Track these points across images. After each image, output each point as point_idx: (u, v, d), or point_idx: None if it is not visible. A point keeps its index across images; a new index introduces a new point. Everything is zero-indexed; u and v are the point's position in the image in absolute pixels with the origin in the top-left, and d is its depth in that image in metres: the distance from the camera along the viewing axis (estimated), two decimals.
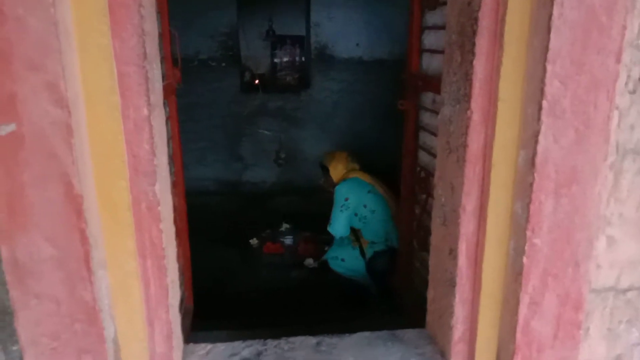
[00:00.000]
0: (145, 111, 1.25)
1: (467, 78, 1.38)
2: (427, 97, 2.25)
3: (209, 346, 1.66)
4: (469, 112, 1.38)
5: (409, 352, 1.66)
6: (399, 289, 2.67)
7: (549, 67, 1.21)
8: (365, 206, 3.26)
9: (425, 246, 2.23)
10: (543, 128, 1.25)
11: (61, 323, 1.24)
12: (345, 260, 3.33)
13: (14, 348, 1.29)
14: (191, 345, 1.66)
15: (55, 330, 1.25)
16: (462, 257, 1.49)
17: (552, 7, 1.18)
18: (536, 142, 1.26)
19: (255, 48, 4.99)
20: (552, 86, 1.23)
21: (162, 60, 1.81)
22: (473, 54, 1.34)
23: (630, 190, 1.42)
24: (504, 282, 1.47)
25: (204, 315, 2.28)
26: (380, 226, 3.25)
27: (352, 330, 1.76)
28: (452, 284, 1.54)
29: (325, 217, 3.44)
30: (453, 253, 1.52)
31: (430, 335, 1.75)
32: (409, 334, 1.76)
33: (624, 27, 1.20)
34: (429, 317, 1.78)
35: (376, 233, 3.26)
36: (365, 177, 3.35)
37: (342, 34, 4.98)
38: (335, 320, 2.48)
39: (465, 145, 1.41)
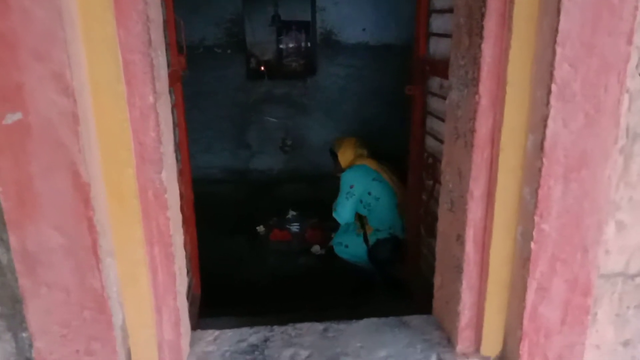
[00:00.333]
0: (151, 99, 1.24)
1: (475, 62, 1.36)
2: (435, 82, 2.23)
3: (216, 332, 1.67)
4: (477, 96, 1.37)
5: (416, 338, 1.67)
6: (406, 276, 2.68)
7: (558, 50, 1.19)
8: (370, 193, 3.26)
9: (432, 232, 2.22)
10: (552, 112, 1.23)
11: (70, 311, 1.25)
12: (349, 247, 3.34)
13: (24, 335, 1.31)
14: (199, 331, 1.67)
15: (65, 318, 1.26)
16: (470, 243, 1.49)
17: None
18: (545, 126, 1.25)
19: (261, 34, 4.95)
20: (561, 69, 1.21)
21: (168, 47, 1.80)
22: (481, 37, 1.32)
23: None
24: (511, 268, 1.46)
25: (212, 302, 2.30)
26: (385, 214, 3.25)
27: (359, 316, 1.76)
28: (459, 270, 1.54)
29: (332, 203, 3.44)
30: (460, 239, 1.52)
31: (437, 321, 1.75)
32: (416, 320, 1.77)
33: (636, 8, 1.18)
34: (435, 304, 1.78)
35: (381, 221, 3.27)
36: (372, 164, 3.34)
37: (348, 19, 4.94)
38: (342, 306, 2.50)
39: (473, 130, 1.40)
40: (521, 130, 1.35)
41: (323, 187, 4.28)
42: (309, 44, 5.04)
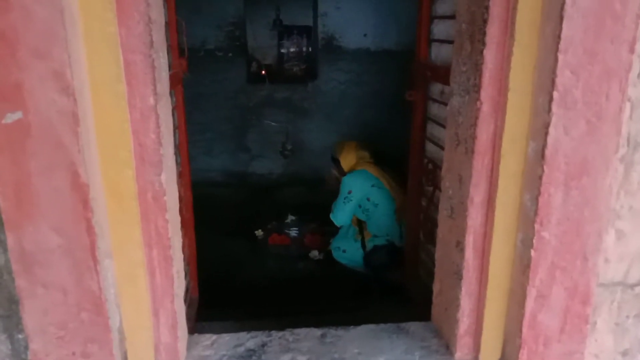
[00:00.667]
0: (151, 100, 1.24)
1: (477, 68, 1.36)
2: (436, 88, 2.23)
3: (213, 337, 1.66)
4: (478, 102, 1.37)
5: (414, 345, 1.66)
6: (404, 281, 2.67)
7: (560, 57, 1.19)
8: (368, 199, 3.26)
9: (431, 238, 2.22)
10: (553, 119, 1.23)
11: (68, 312, 1.24)
12: (347, 252, 3.35)
13: (20, 336, 1.30)
14: (196, 335, 1.66)
15: (62, 319, 1.25)
16: (469, 249, 1.48)
17: None
18: (546, 133, 1.24)
19: (262, 38, 4.95)
20: (563, 76, 1.21)
21: (169, 49, 1.80)
22: (483, 43, 1.32)
23: None
24: (511, 275, 1.46)
25: (210, 305, 2.29)
26: (383, 221, 3.25)
27: (357, 322, 1.76)
28: (458, 276, 1.53)
29: (330, 208, 3.44)
30: (460, 245, 1.51)
31: (435, 328, 1.75)
32: (415, 326, 1.76)
33: (639, 16, 1.18)
34: (434, 310, 1.77)
35: (378, 227, 3.27)
36: (373, 170, 3.33)
37: (350, 24, 4.94)
38: (339, 311, 2.48)
39: (474, 137, 1.40)
40: (522, 137, 1.35)
41: (322, 191, 4.26)
42: (310, 49, 5.04)
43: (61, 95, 1.10)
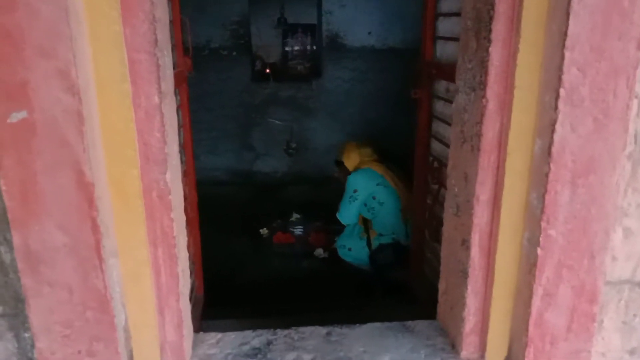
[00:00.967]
0: (156, 99, 1.24)
1: (483, 65, 1.35)
2: (441, 86, 2.22)
3: (219, 335, 1.66)
4: (484, 100, 1.36)
5: (419, 344, 1.65)
6: (409, 280, 2.66)
7: (567, 54, 1.18)
8: (374, 198, 3.25)
9: (437, 237, 2.21)
10: (560, 116, 1.22)
11: (73, 311, 1.25)
12: (352, 250, 3.34)
13: (26, 335, 1.30)
14: (201, 334, 1.67)
15: (68, 318, 1.25)
16: (475, 247, 1.48)
17: None
18: (553, 131, 1.24)
19: (267, 37, 4.95)
20: (570, 73, 1.20)
21: (174, 48, 1.80)
22: (489, 40, 1.31)
23: None
24: (517, 274, 1.45)
25: (215, 304, 2.29)
26: (388, 219, 3.24)
27: (362, 320, 1.75)
28: (464, 275, 1.52)
29: (336, 207, 3.43)
30: (466, 244, 1.51)
31: (441, 326, 1.74)
32: (420, 325, 1.75)
33: None
34: (440, 309, 1.77)
35: (384, 225, 3.26)
36: (378, 168, 3.32)
37: (354, 22, 4.93)
38: (344, 309, 2.48)
39: (479, 134, 1.39)
40: (528, 134, 1.34)
41: (327, 190, 4.26)
42: (314, 47, 5.03)
43: (66, 94, 1.10)
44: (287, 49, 5.04)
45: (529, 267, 1.38)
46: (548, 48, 1.25)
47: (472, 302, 1.53)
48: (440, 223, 1.83)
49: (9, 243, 1.22)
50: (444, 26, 2.17)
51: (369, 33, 4.97)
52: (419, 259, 2.54)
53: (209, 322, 2.04)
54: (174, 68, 1.42)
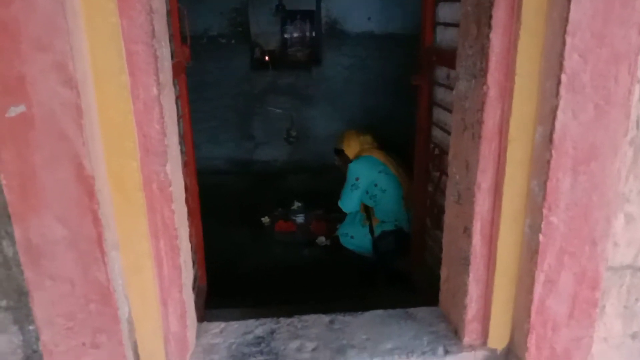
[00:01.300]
0: (154, 90, 1.23)
1: (484, 52, 1.34)
2: (442, 72, 2.21)
3: (222, 324, 1.67)
4: (485, 87, 1.35)
5: (422, 331, 1.66)
6: (411, 267, 2.67)
7: (568, 40, 1.17)
8: (376, 185, 3.25)
9: (438, 224, 2.21)
10: (562, 103, 1.21)
11: (76, 303, 1.25)
12: (355, 237, 3.35)
13: (31, 328, 1.31)
14: (205, 323, 1.67)
15: (71, 310, 1.26)
16: (477, 235, 1.48)
17: None
18: (554, 117, 1.23)
19: (265, 24, 4.91)
20: (571, 60, 1.19)
21: (171, 38, 1.79)
22: (490, 26, 1.29)
23: None
24: (519, 261, 1.45)
25: (218, 293, 2.30)
26: (391, 206, 3.24)
27: (365, 308, 1.76)
28: (466, 262, 1.53)
29: (336, 195, 3.43)
30: (467, 231, 1.50)
31: (443, 313, 1.75)
32: (422, 312, 1.76)
33: None
34: (442, 296, 1.77)
35: (386, 213, 3.26)
36: (379, 156, 3.32)
37: (353, 7, 4.89)
38: (346, 297, 2.49)
39: (480, 122, 1.38)
40: (530, 121, 1.33)
41: (328, 178, 4.26)
42: (313, 34, 5.00)
43: (64, 87, 1.09)
44: (286, 36, 5.01)
45: (530, 254, 1.38)
46: (549, 34, 1.24)
47: (473, 290, 1.53)
48: (441, 211, 1.83)
49: (10, 236, 1.22)
50: (444, 12, 2.15)
51: (369, 19, 4.92)
52: (420, 246, 2.55)
53: (213, 312, 2.06)
54: (172, 58, 1.41)
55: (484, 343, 1.56)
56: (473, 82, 1.42)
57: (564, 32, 1.17)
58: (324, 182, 4.35)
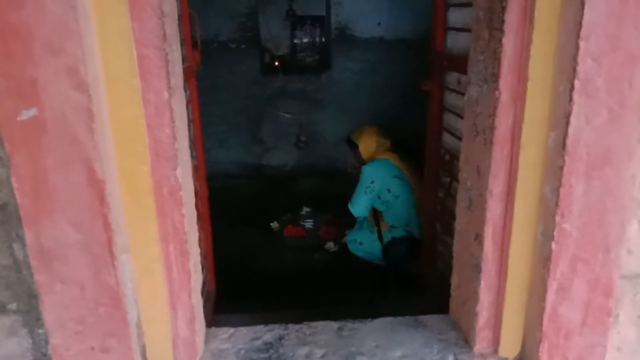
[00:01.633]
0: (165, 94, 1.23)
1: (495, 57, 1.33)
2: (452, 77, 2.20)
3: (231, 330, 1.66)
4: (497, 92, 1.34)
5: (432, 338, 1.64)
6: (421, 273, 2.65)
7: (581, 44, 1.16)
8: (389, 190, 3.20)
9: (449, 230, 2.20)
10: (575, 108, 1.20)
11: (86, 307, 1.25)
12: (364, 244, 3.31)
13: (40, 331, 1.31)
14: (213, 329, 1.67)
15: (80, 314, 1.26)
16: (488, 242, 1.46)
17: None
18: (567, 122, 1.21)
19: (275, 29, 4.92)
20: (584, 64, 1.17)
21: (182, 42, 1.79)
22: (502, 31, 1.28)
23: None
24: (531, 268, 1.43)
25: (227, 298, 2.30)
26: (402, 212, 3.20)
27: (374, 315, 1.75)
28: (477, 269, 1.51)
29: (346, 199, 3.41)
30: (479, 238, 1.49)
31: (454, 321, 1.73)
32: (432, 319, 1.74)
33: None
34: (452, 303, 1.75)
35: (397, 218, 3.22)
36: (394, 160, 3.25)
37: (363, 13, 4.88)
38: (355, 303, 2.48)
39: (492, 127, 1.37)
40: (542, 126, 1.32)
41: (337, 183, 4.25)
42: (323, 39, 5.00)
43: (76, 91, 1.09)
44: (295, 41, 5.01)
45: (543, 261, 1.36)
46: (562, 38, 1.23)
47: (485, 297, 1.51)
48: (452, 217, 1.82)
49: (21, 240, 1.22)
50: (455, 17, 2.14)
51: (379, 24, 4.92)
52: (431, 252, 2.53)
53: (221, 317, 2.05)
54: (182, 62, 1.41)
55: (495, 351, 1.54)
56: (485, 87, 1.41)
57: (578, 35, 1.15)
58: (334, 186, 4.34)
